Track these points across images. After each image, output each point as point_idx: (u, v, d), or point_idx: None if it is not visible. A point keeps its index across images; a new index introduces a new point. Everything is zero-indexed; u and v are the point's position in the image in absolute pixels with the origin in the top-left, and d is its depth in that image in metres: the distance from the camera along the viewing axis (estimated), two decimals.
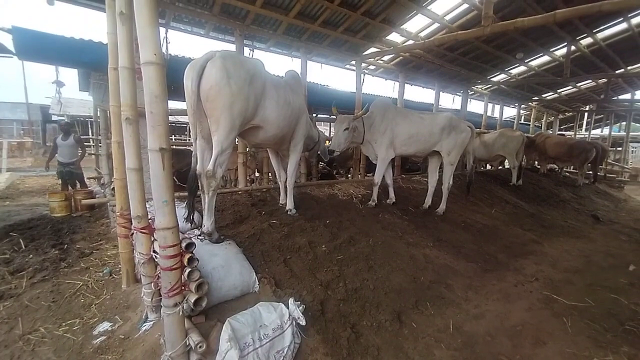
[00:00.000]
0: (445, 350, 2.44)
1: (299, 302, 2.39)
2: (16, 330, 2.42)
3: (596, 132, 16.21)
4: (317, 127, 4.89)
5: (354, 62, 6.30)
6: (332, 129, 6.94)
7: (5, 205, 6.95)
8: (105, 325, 2.46)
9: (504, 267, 3.95)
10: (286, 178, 3.90)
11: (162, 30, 4.02)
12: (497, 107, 11.21)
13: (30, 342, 2.31)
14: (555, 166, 11.03)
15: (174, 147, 6.17)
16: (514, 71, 8.73)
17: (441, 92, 8.37)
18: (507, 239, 4.86)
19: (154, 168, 1.73)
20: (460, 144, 4.82)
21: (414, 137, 4.62)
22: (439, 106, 8.32)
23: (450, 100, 9.46)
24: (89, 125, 17.21)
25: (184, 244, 1.92)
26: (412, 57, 6.68)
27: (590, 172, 10.22)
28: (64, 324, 2.51)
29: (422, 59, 6.71)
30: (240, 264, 2.54)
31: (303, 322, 2.21)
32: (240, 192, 4.40)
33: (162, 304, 1.91)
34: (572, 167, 11.49)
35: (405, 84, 7.11)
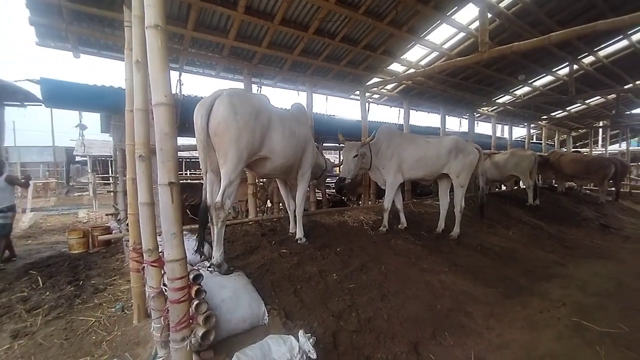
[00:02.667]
0: None
1: (310, 334, 2.32)
2: None
3: (614, 148, 15.78)
4: (324, 155, 4.99)
5: (358, 92, 6.53)
6: (339, 156, 7.05)
7: (27, 244, 7.18)
8: None
9: (527, 292, 3.74)
10: (295, 207, 3.93)
11: (176, 73, 4.33)
12: (507, 127, 11.18)
13: None
14: (574, 184, 10.69)
15: (188, 181, 6.36)
16: (519, 92, 8.80)
17: (447, 116, 8.46)
18: (528, 261, 4.65)
19: (164, 201, 1.80)
20: (469, 165, 4.79)
21: (421, 161, 4.64)
22: (446, 130, 8.37)
23: (457, 124, 9.55)
24: (109, 164, 18.18)
25: (191, 276, 1.93)
26: (414, 85, 6.89)
27: (613, 189, 9.83)
28: None
29: (425, 86, 6.91)
30: (250, 296, 2.52)
31: (314, 356, 2.14)
32: (250, 223, 4.44)
33: (170, 339, 1.89)
34: (592, 184, 11.10)
35: (410, 110, 7.26)
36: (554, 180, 10.75)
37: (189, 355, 1.85)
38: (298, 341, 2.19)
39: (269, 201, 6.74)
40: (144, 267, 2.73)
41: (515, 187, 10.00)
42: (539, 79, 8.19)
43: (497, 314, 3.21)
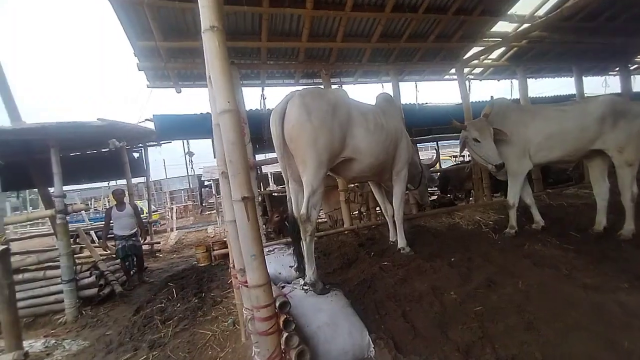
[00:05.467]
0: None
1: None
2: None
3: None
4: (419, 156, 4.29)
5: (453, 71, 5.54)
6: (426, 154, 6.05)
7: (172, 257, 8.64)
8: None
9: None
10: (393, 212, 3.42)
11: (258, 89, 4.44)
12: None
13: None
14: None
15: (281, 194, 6.52)
16: None
17: (583, 77, 6.46)
18: None
19: (239, 219, 1.61)
20: (637, 134, 3.36)
21: (556, 138, 3.47)
22: (585, 95, 6.39)
23: (599, 85, 7.12)
24: None
25: (277, 303, 1.68)
26: (531, 44, 5.40)
27: None
28: None
29: (547, 42, 5.33)
30: (349, 321, 2.14)
31: None
32: (346, 232, 4.13)
33: None
34: None
35: (528, 79, 5.77)
36: None
37: None
38: None
39: (363, 206, 6.34)
40: (238, 287, 2.69)
41: None
42: None
43: None
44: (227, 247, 6.34)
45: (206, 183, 26.68)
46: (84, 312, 4.44)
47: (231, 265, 2.86)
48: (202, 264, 6.46)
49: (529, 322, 2.35)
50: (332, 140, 2.51)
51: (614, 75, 7.07)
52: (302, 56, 4.38)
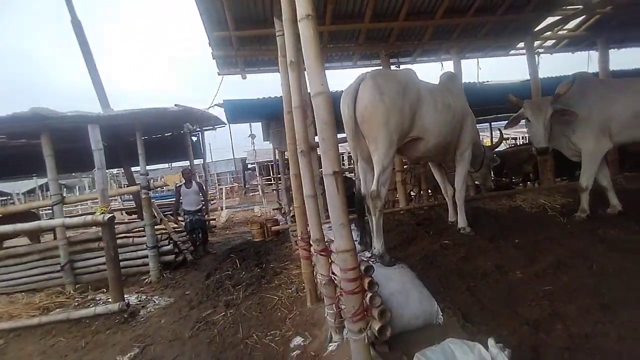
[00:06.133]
0: None
1: (501, 345, 1.88)
2: (238, 334, 3.00)
3: None
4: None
5: (521, 45, 5.16)
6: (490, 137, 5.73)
7: (226, 233, 9.38)
8: (298, 340, 2.69)
9: None
10: (454, 192, 3.43)
11: None
12: None
13: (247, 346, 2.79)
14: None
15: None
16: None
17: None
18: None
19: (329, 191, 1.79)
20: None
21: None
22: None
23: None
24: (270, 168, 22.11)
25: (362, 267, 1.87)
26: (617, 10, 4.76)
27: None
28: (268, 333, 2.92)
29: (637, 7, 4.67)
30: (419, 291, 2.29)
31: None
32: (402, 212, 4.21)
33: (347, 328, 1.89)
34: None
35: (610, 50, 5.17)
36: None
37: (367, 348, 1.80)
38: (488, 351, 1.80)
39: (415, 188, 6.32)
40: (312, 255, 2.94)
41: None
42: None
43: None
44: (278, 225, 6.81)
45: (249, 166, 28.07)
46: (164, 275, 5.11)
47: (298, 237, 3.14)
48: (257, 240, 6.98)
49: (603, 304, 2.32)
50: (402, 121, 2.59)
51: None
52: (363, 38, 4.39)
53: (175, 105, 4.25)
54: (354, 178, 3.07)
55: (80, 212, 14.52)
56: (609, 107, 3.29)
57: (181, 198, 6.16)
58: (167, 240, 5.36)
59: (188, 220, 6.08)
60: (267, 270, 4.67)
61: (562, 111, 3.27)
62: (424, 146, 2.89)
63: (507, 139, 13.41)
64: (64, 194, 4.71)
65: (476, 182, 5.00)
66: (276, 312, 3.35)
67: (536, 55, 5.13)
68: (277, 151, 6.87)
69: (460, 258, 2.97)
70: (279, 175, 7.62)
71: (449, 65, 4.91)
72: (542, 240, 3.15)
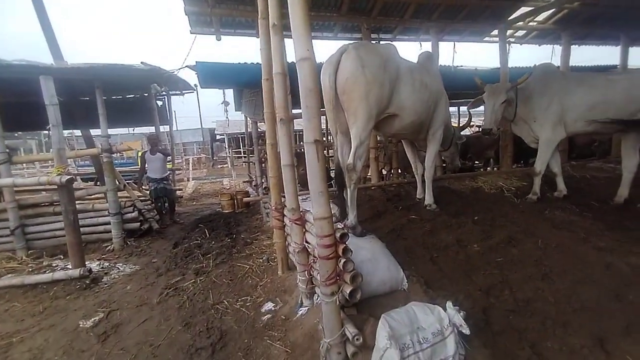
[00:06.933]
0: None
1: (457, 307, 2.08)
2: (209, 300, 3.02)
3: None
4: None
5: (495, 32, 5.33)
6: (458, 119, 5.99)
7: (194, 204, 9.13)
8: (269, 305, 2.78)
9: None
10: (424, 170, 3.60)
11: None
12: None
13: (218, 311, 2.83)
14: None
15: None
16: None
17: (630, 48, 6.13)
18: None
19: (310, 160, 1.80)
20: None
21: (600, 108, 3.47)
22: (628, 67, 6.13)
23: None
24: (240, 141, 21.41)
25: (338, 235, 1.93)
26: (583, 7, 5.06)
27: None
28: (239, 299, 2.97)
29: (601, 6, 4.98)
30: (387, 259, 2.43)
31: (467, 331, 1.90)
32: (373, 188, 4.35)
33: (319, 292, 1.98)
34: None
35: (572, 45, 5.52)
36: None
37: (337, 310, 1.90)
38: (446, 312, 1.99)
39: (386, 166, 6.52)
40: (285, 225, 2.98)
41: None
42: None
43: None
44: (249, 197, 6.76)
45: (218, 137, 26.95)
46: (128, 243, 4.92)
47: (272, 207, 3.15)
48: (227, 211, 6.91)
49: (544, 273, 2.63)
50: (382, 95, 2.61)
51: None
52: (345, 9, 4.26)
53: (142, 62, 3.92)
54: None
55: (27, 177, 13.31)
56: (566, 98, 3.55)
57: (146, 165, 5.86)
58: (132, 207, 5.13)
59: (153, 188, 5.84)
60: (238, 240, 4.66)
61: (511, 101, 3.55)
62: (399, 123, 2.95)
63: (472, 125, 14.11)
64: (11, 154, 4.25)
65: (443, 165, 5.27)
66: (247, 279, 3.40)
67: (507, 45, 5.33)
68: (250, 120, 6.66)
69: (425, 232, 3.17)
70: (252, 148, 7.44)
71: (427, 47, 4.96)
72: (498, 218, 3.45)
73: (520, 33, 5.88)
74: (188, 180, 14.18)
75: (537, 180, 3.88)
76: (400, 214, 3.54)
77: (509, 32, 5.42)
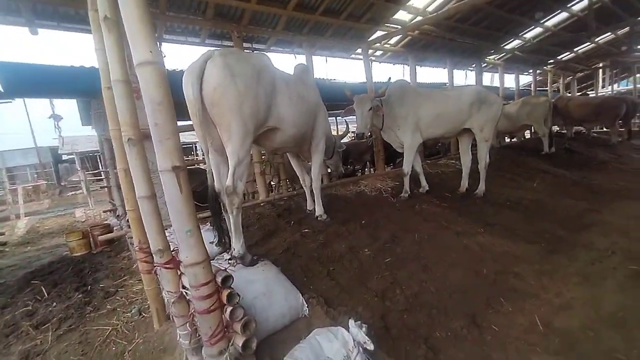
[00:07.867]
0: (545, 356, 2.03)
1: (359, 322, 2.02)
2: None
3: (617, 88, 15.29)
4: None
5: (360, 50, 5.91)
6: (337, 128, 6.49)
7: (26, 250, 6.83)
8: None
9: (570, 244, 3.48)
10: (311, 182, 3.55)
11: None
12: (511, 77, 10.62)
13: None
14: (582, 128, 10.36)
15: (190, 167, 5.92)
16: (529, 35, 8.20)
17: (454, 70, 7.88)
18: (560, 212, 4.37)
19: (170, 193, 1.40)
20: (493, 117, 4.38)
21: (441, 117, 4.22)
22: (454, 85, 7.85)
23: (462, 77, 8.95)
24: (98, 159, 17.48)
25: (219, 279, 1.57)
26: (420, 36, 6.23)
27: (622, 129, 9.53)
28: None
29: (432, 36, 6.24)
30: (284, 287, 2.20)
31: (371, 347, 1.85)
32: (262, 204, 4.08)
33: (204, 353, 1.57)
34: (600, 127, 10.78)
35: (416, 66, 6.67)
36: (562, 127, 10.42)
37: None
38: (349, 331, 1.90)
39: (274, 178, 6.35)
40: (154, 270, 2.38)
41: (522, 138, 9.66)
42: (550, 18, 7.58)
43: (547, 271, 2.96)
44: (111, 231, 5.45)
45: (65, 157, 21.24)
46: None
47: (136, 247, 2.50)
48: (78, 254, 5.35)
49: (424, 265, 2.91)
50: (257, 108, 2.37)
51: (472, 70, 8.87)
52: (211, 13, 3.85)
53: None
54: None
55: None
56: (418, 110, 4.19)
57: None
58: None
59: None
60: (95, 293, 3.58)
61: (378, 108, 3.99)
62: (281, 137, 2.79)
63: (350, 133, 15.70)
64: None
65: (329, 170, 5.46)
66: (109, 347, 2.59)
67: (370, 62, 6.01)
68: (103, 138, 5.38)
69: (319, 244, 3.10)
70: (108, 170, 6.06)
71: (302, 59, 5.07)
72: (381, 219, 3.70)
73: (379, 53, 6.75)
74: (17, 217, 10.68)
75: (406, 180, 4.40)
76: (293, 230, 3.38)
77: (370, 51, 6.14)
